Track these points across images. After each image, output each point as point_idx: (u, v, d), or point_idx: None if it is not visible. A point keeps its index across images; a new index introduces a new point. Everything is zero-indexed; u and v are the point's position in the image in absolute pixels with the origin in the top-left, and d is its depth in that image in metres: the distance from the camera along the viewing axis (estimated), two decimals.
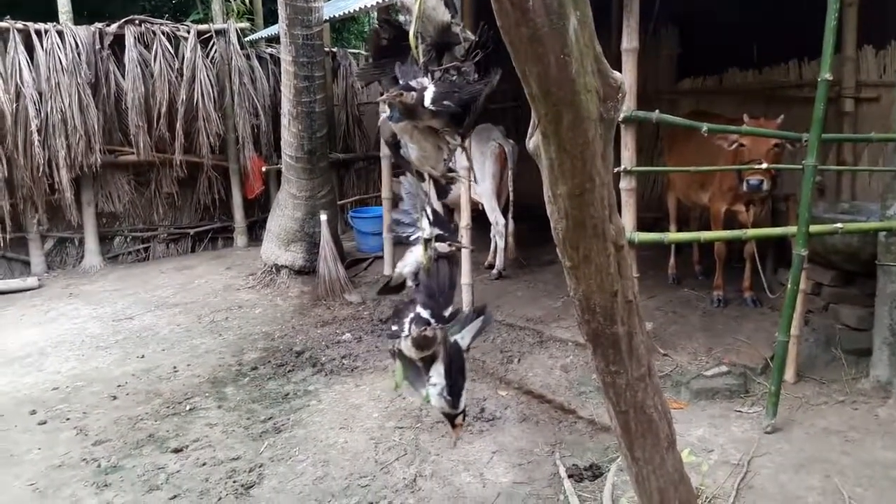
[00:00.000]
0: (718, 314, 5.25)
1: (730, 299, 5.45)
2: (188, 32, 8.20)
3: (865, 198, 5.53)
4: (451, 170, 1.37)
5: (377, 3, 6.15)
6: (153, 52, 7.95)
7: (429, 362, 1.39)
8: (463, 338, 1.50)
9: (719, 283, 5.42)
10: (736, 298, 5.47)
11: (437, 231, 1.44)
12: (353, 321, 5.93)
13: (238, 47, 8.49)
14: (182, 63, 8.10)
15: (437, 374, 1.39)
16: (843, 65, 5.48)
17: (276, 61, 8.35)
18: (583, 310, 1.88)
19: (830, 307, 4.85)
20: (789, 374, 4.22)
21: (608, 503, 3.21)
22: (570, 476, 3.43)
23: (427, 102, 1.12)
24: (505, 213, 6.29)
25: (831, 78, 3.55)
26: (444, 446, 3.74)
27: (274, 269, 7.04)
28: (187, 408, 4.34)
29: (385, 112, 1.26)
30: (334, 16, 6.96)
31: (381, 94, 1.27)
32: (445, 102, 1.11)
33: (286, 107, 6.78)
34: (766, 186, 4.55)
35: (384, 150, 6.88)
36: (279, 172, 7.67)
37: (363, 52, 10.34)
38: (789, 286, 3.81)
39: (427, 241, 1.41)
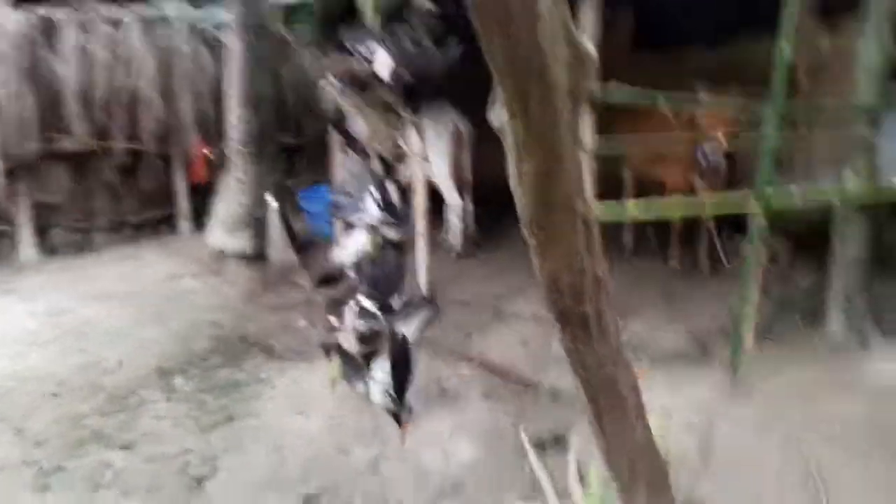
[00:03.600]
0: (676, 282, 5.26)
1: (687, 269, 5.47)
2: (129, 17, 7.85)
3: (819, 170, 5.56)
4: (400, 147, 1.24)
5: None
6: (92, 38, 7.58)
7: (371, 357, 1.27)
8: (409, 329, 1.38)
9: (676, 253, 5.42)
10: (692, 268, 5.49)
11: (385, 216, 1.30)
12: (306, 306, 5.75)
13: (183, 31, 8.18)
14: (123, 48, 7.76)
15: (381, 369, 1.27)
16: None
17: (223, 45, 8.07)
18: (550, 290, 1.79)
19: (786, 273, 4.90)
20: (749, 338, 4.24)
21: (573, 470, 3.17)
22: (534, 447, 3.39)
23: (381, 73, 0.99)
24: (462, 194, 6.18)
25: (789, 48, 3.52)
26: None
27: (222, 256, 6.81)
28: (134, 402, 4.14)
29: (330, 83, 1.13)
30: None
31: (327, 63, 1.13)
32: (400, 73, 0.98)
33: (232, 90, 6.55)
34: (720, 158, 4.54)
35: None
36: (225, 157, 7.42)
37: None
38: (749, 253, 3.81)
39: (374, 227, 1.27)
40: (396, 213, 1.33)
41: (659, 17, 6.51)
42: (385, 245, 1.29)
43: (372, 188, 1.24)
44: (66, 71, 7.44)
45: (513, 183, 1.62)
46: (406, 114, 1.02)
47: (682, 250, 5.46)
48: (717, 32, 6.30)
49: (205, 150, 8.52)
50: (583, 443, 3.30)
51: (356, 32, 1.03)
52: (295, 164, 9.56)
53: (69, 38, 7.47)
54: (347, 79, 0.93)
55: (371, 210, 1.24)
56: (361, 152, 1.17)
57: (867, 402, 3.59)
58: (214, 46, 8.58)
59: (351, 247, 1.24)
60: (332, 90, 1.05)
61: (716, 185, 5.14)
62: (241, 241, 6.73)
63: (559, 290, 1.78)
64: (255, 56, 6.34)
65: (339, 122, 1.11)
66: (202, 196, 8.89)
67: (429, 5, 1.09)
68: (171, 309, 5.83)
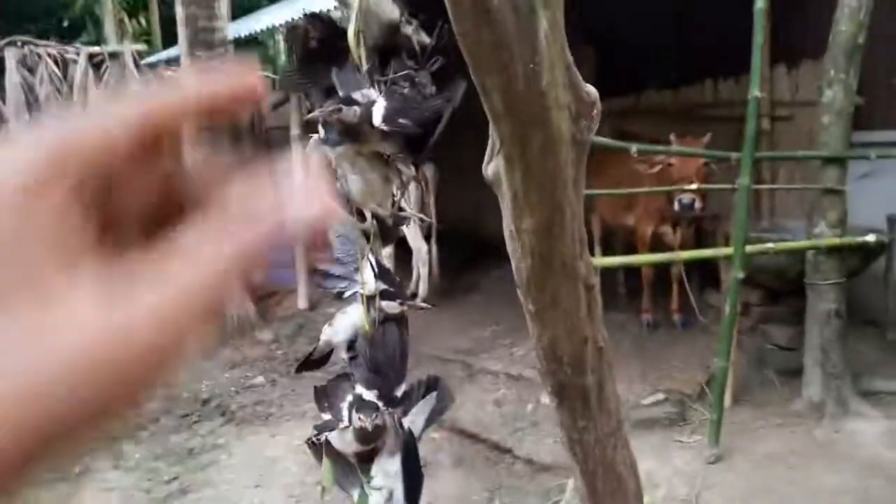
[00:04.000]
0: (649, 338, 5.13)
1: (659, 322, 5.35)
2: (77, 55, 7.62)
3: (784, 216, 5.58)
4: (401, 208, 1.07)
5: (284, 22, 5.82)
6: (38, 76, 7.32)
7: (368, 458, 1.07)
8: (413, 422, 1.18)
9: (648, 306, 5.31)
10: (664, 321, 5.37)
11: (381, 286, 1.12)
12: (266, 362, 5.48)
13: (134, 70, 7.96)
14: (71, 87, 7.50)
15: (384, 473, 1.07)
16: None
17: None
18: (548, 359, 1.62)
19: (759, 327, 4.82)
20: (726, 399, 4.12)
21: None
22: None
23: (377, 120, 0.82)
24: (427, 239, 6.02)
25: (761, 95, 3.49)
26: None
27: None
28: (77, 471, 3.81)
29: (316, 134, 0.95)
30: (239, 36, 6.57)
31: (311, 110, 0.96)
32: (401, 121, 0.82)
33: (186, 132, 6.32)
34: (698, 205, 4.47)
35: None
36: None
37: (269, 74, 9.91)
38: (727, 309, 3.70)
39: (370, 299, 1.08)
40: (393, 280, 1.15)
41: (621, 61, 6.55)
42: (384, 321, 1.10)
43: (369, 254, 1.07)
44: (10, 110, 7.17)
45: (509, 241, 1.46)
46: (406, 168, 0.87)
47: (654, 302, 5.35)
48: (675, 75, 6.38)
49: None
50: None
51: (346, 74, 0.89)
52: None
53: (13, 76, 7.25)
54: (339, 127, 0.79)
55: (368, 280, 1.06)
56: (355, 212, 1.00)
57: (852, 472, 3.48)
58: None
59: (343, 324, 1.05)
60: (318, 142, 0.90)
61: (687, 233, 5.08)
62: None
63: (558, 359, 1.61)
64: None
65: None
66: None
67: (427, 40, 0.95)
68: None
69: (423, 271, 6.12)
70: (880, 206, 4.78)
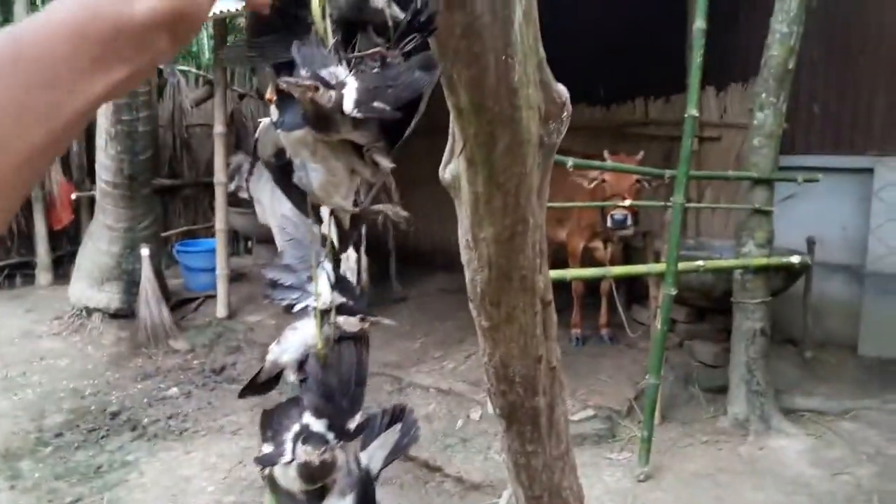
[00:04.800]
0: (578, 353, 5.12)
1: (587, 337, 5.35)
2: None
3: (709, 236, 5.69)
4: (374, 200, 0.94)
5: (213, 14, 5.55)
6: None
7: (319, 496, 0.93)
8: (372, 458, 1.04)
9: (577, 321, 5.30)
10: (592, 336, 5.38)
11: (339, 298, 0.98)
12: (181, 372, 5.18)
13: None
14: None
15: None
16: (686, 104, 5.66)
17: None
18: (498, 379, 1.52)
19: (685, 344, 4.87)
20: (655, 417, 4.13)
21: None
22: None
23: (348, 106, 0.69)
24: (357, 247, 5.83)
25: (697, 114, 3.52)
26: None
27: (85, 312, 6.06)
28: None
29: (268, 116, 0.82)
30: None
31: (270, 87, 0.82)
32: (376, 105, 0.69)
33: (103, 125, 5.95)
34: (629, 222, 4.49)
35: (218, 177, 6.20)
36: (93, 200, 6.72)
37: (193, 70, 9.53)
38: (658, 326, 3.70)
39: (324, 314, 0.95)
40: (353, 292, 1.01)
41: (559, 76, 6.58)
42: (340, 339, 0.96)
43: (325, 261, 0.93)
44: None
45: (464, 250, 1.36)
46: (381, 157, 0.74)
47: (583, 318, 5.36)
48: (606, 93, 6.45)
49: (70, 192, 7.74)
50: None
51: (309, 49, 0.76)
52: (168, 210, 8.89)
53: None
54: (309, 108, 0.66)
55: (323, 291, 0.92)
56: (311, 211, 0.86)
57: (776, 489, 3.54)
58: None
59: (293, 341, 0.90)
60: (271, 125, 0.77)
61: (617, 249, 5.12)
62: (108, 296, 6.05)
63: (509, 379, 1.51)
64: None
65: (281, 170, 0.81)
66: (65, 243, 8.07)
67: (397, 10, 0.83)
68: (22, 374, 5.08)
69: (352, 280, 5.94)
70: (800, 229, 4.94)
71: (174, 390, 4.82)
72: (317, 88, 0.67)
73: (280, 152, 0.82)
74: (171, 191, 8.89)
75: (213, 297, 6.41)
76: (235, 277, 6.72)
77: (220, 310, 6.19)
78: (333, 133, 0.72)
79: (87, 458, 3.87)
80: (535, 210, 1.28)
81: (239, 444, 4.02)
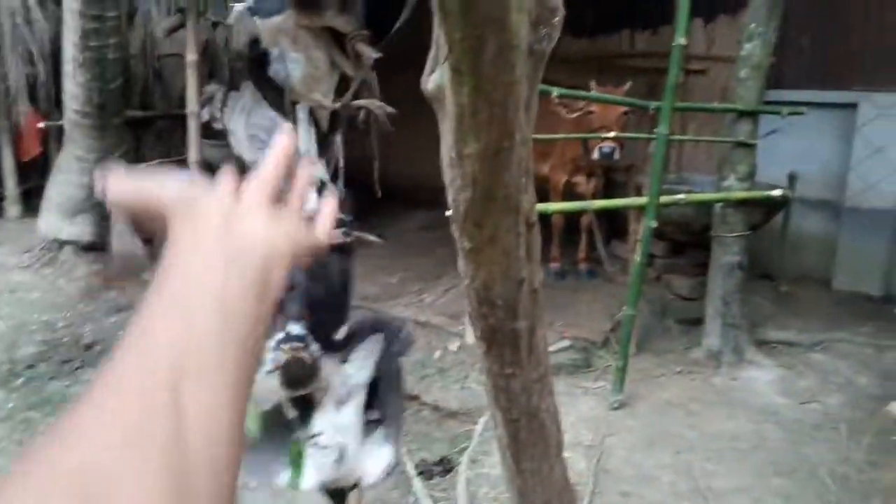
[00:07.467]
0: (556, 286, 5.13)
1: (566, 271, 5.36)
2: None
3: (690, 170, 5.67)
4: (356, 97, 0.88)
5: None
6: None
7: (305, 406, 0.89)
8: (361, 368, 1.00)
9: (556, 255, 5.30)
10: (571, 270, 5.39)
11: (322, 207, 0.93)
12: None
13: None
14: None
15: (333, 427, 0.89)
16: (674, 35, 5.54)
17: (59, 1, 7.10)
18: (480, 302, 1.48)
19: (662, 278, 4.90)
20: (630, 348, 4.17)
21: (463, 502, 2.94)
22: (419, 473, 3.10)
23: None
24: (334, 180, 5.74)
25: (685, 43, 3.43)
26: None
27: (56, 245, 5.95)
28: None
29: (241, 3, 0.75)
30: None
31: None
32: None
33: (70, 52, 5.69)
34: (617, 155, 4.43)
35: (191, 107, 6.01)
36: (62, 131, 6.51)
37: None
38: (638, 258, 3.70)
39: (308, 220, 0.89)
40: (339, 201, 0.95)
41: None
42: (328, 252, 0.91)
43: (314, 160, 0.87)
44: None
45: (447, 169, 1.30)
46: (365, 48, 0.67)
47: (563, 252, 5.35)
48: (591, 24, 6.31)
49: (38, 122, 7.50)
50: (472, 468, 3.12)
51: None
52: (141, 142, 8.67)
53: None
54: None
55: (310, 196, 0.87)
56: (287, 109, 0.79)
57: (747, 417, 3.62)
58: (50, 2, 7.58)
59: None
60: (244, 11, 0.69)
61: (599, 183, 5.08)
62: (79, 228, 5.93)
63: (491, 302, 1.48)
64: (99, 13, 5.53)
65: (257, 61, 0.74)
66: (34, 175, 7.86)
67: None
68: None
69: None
70: (782, 164, 4.93)
71: None
72: None
73: (255, 42, 0.75)
74: (143, 123, 8.63)
75: None
76: None
77: None
78: (317, 17, 0.66)
79: (61, 388, 3.84)
80: (522, 125, 1.22)
81: None
